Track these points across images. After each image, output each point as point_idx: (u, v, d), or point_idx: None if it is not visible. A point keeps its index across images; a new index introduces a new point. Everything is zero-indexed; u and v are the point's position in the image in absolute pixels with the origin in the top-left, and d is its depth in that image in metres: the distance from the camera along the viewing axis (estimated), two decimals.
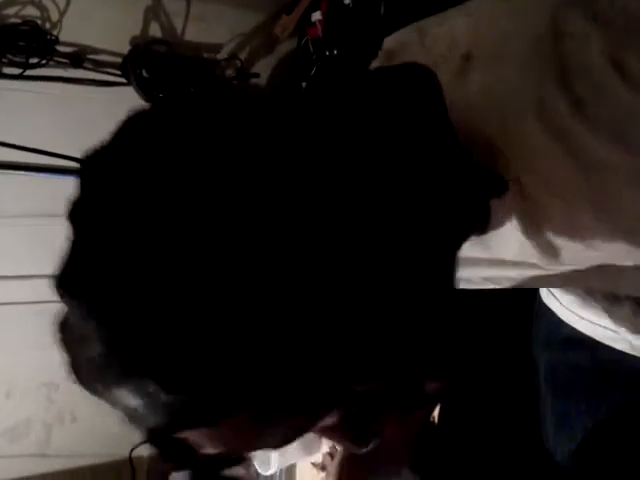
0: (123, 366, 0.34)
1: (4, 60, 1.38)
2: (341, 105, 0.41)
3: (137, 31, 1.51)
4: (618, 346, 0.83)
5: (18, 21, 1.39)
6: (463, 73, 0.43)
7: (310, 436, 1.07)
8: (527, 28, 0.42)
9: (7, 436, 1.56)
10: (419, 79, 0.44)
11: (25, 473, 1.59)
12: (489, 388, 1.13)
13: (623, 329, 0.79)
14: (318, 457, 1.18)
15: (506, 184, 0.43)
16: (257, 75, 1.62)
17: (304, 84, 1.55)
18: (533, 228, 0.45)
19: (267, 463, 1.14)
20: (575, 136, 0.39)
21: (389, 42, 0.53)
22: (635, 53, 0.38)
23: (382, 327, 0.36)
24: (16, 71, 1.38)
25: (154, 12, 1.54)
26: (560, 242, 0.45)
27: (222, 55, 1.61)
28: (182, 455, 0.38)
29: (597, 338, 0.81)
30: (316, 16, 1.47)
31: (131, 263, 0.33)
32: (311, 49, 1.49)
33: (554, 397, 0.98)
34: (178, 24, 1.57)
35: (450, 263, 0.41)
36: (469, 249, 0.45)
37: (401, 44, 0.51)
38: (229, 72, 1.62)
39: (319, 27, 1.44)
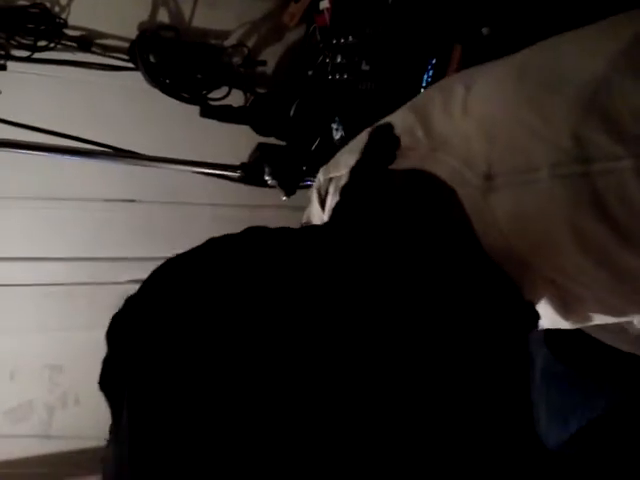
0: None
1: (12, 42, 1.39)
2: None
3: (145, 17, 1.51)
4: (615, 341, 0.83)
5: (27, 3, 1.39)
6: (486, 194, 0.41)
7: None
8: (549, 147, 0.39)
9: (10, 417, 1.58)
10: (442, 205, 0.42)
11: (27, 454, 1.61)
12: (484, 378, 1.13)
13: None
14: None
15: (537, 316, 0.42)
16: (264, 63, 1.62)
17: (310, 72, 1.55)
18: (567, 310, 0.44)
19: None
20: (612, 253, 0.38)
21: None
22: None
23: None
24: (24, 54, 1.39)
25: None
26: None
27: (229, 42, 1.61)
28: None
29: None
30: (324, 4, 1.46)
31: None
32: (318, 37, 1.48)
33: (549, 387, 0.98)
34: (186, 10, 1.56)
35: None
36: None
37: (405, 136, 0.46)
38: (236, 59, 1.62)
39: (327, 15, 1.44)
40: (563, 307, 0.44)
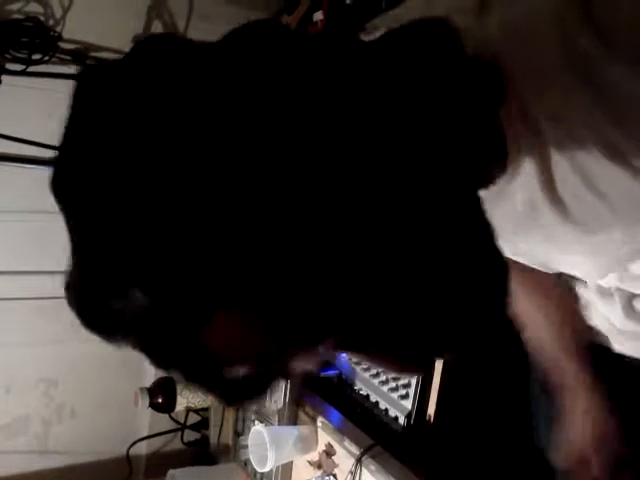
0: (105, 276, 0.34)
1: (7, 56, 1.39)
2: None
3: (140, 29, 1.52)
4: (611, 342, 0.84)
5: (21, 17, 1.40)
6: (480, 17, 0.45)
7: (307, 436, 1.09)
8: None
9: (6, 432, 1.56)
10: (432, 25, 0.46)
11: (23, 469, 1.59)
12: (484, 384, 1.13)
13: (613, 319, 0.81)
14: (314, 456, 1.18)
15: (502, 92, 0.44)
16: None
17: None
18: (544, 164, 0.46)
19: (264, 461, 1.14)
20: (593, 62, 0.40)
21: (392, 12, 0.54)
22: None
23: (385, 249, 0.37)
24: (19, 67, 1.39)
25: (157, 10, 1.55)
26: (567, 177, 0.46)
27: None
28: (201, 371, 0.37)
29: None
30: (318, 16, 1.47)
31: (116, 166, 0.34)
32: None
33: (547, 396, 0.99)
34: (181, 23, 1.57)
35: (473, 198, 0.42)
36: None
37: (406, 9, 0.52)
38: None
39: (320, 27, 1.45)
40: (538, 157, 0.46)
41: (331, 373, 1.27)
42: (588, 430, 0.86)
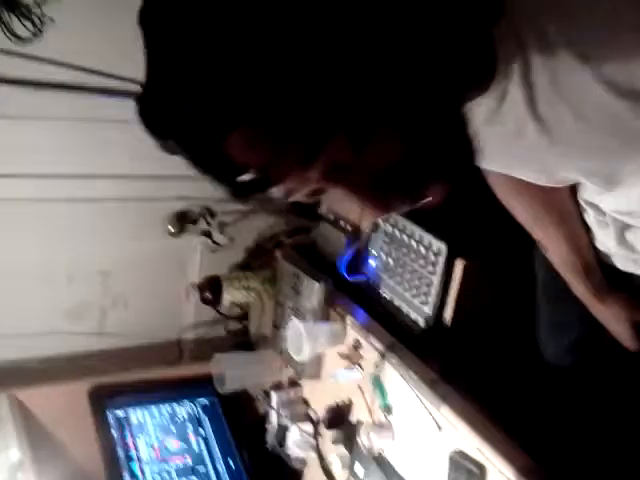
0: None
1: None
2: None
3: None
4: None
5: None
6: None
7: (337, 331, 1.27)
8: None
9: (69, 315, 1.78)
10: None
11: (85, 348, 1.82)
12: (498, 294, 1.27)
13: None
14: (343, 349, 1.36)
15: (500, 9, 0.53)
16: None
17: None
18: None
19: (300, 351, 1.32)
20: None
21: None
22: None
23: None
24: None
25: None
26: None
27: None
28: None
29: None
30: None
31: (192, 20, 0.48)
32: None
33: (548, 303, 1.12)
34: None
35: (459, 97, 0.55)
36: None
37: None
38: None
39: None
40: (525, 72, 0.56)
41: (361, 278, 1.43)
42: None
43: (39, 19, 1.45)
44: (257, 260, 1.73)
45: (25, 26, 1.43)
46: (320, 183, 0.55)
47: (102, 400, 1.66)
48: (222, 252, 1.79)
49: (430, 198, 0.58)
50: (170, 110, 0.50)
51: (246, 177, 0.52)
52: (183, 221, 1.75)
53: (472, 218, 1.22)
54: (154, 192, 1.69)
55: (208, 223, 1.76)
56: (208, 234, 1.78)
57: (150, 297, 1.84)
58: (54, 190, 1.61)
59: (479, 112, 0.62)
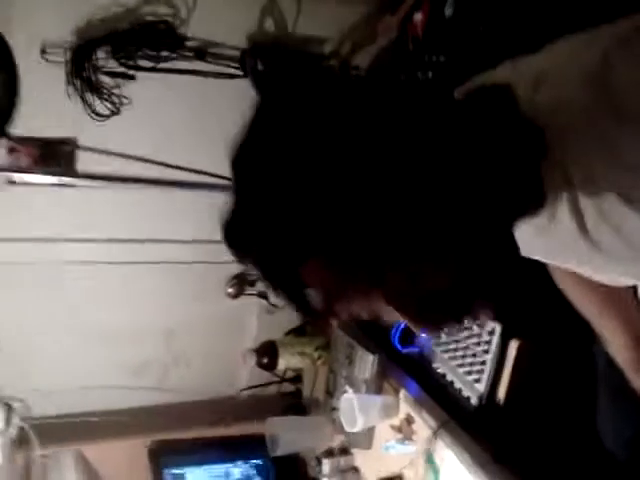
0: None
1: (139, 54, 1.59)
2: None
3: (254, 27, 1.67)
4: None
5: (152, 19, 1.58)
6: (535, 89, 0.62)
7: (390, 405, 1.30)
8: (583, 63, 0.59)
9: (132, 372, 1.86)
10: (500, 90, 0.65)
11: (143, 404, 1.90)
12: (554, 373, 1.26)
13: None
14: (395, 421, 1.37)
15: (544, 148, 0.59)
16: (357, 68, 1.74)
17: (402, 77, 1.66)
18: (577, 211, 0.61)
19: (353, 423, 1.34)
20: (612, 137, 0.55)
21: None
22: None
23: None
24: (149, 64, 1.59)
25: (269, 9, 1.69)
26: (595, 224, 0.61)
27: (328, 48, 1.75)
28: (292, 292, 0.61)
29: None
30: (418, 16, 1.56)
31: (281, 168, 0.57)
32: (410, 47, 1.59)
33: (608, 395, 1.11)
34: (290, 19, 1.71)
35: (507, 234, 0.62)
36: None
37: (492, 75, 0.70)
38: (334, 64, 1.75)
39: (419, 27, 1.54)
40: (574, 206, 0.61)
41: (414, 350, 1.45)
42: None
43: (119, 100, 1.59)
44: (313, 326, 1.77)
45: (106, 106, 1.58)
46: (378, 306, 0.60)
47: (160, 457, 1.72)
48: (279, 314, 1.85)
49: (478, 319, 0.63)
50: (254, 241, 0.58)
51: (315, 297, 0.58)
52: (241, 283, 1.82)
53: (529, 298, 1.24)
54: (215, 256, 1.77)
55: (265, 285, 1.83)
56: (265, 296, 1.84)
57: (209, 356, 1.91)
58: (124, 254, 1.72)
59: (529, 226, 0.66)
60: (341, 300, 0.60)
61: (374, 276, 0.58)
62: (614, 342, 1.01)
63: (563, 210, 0.63)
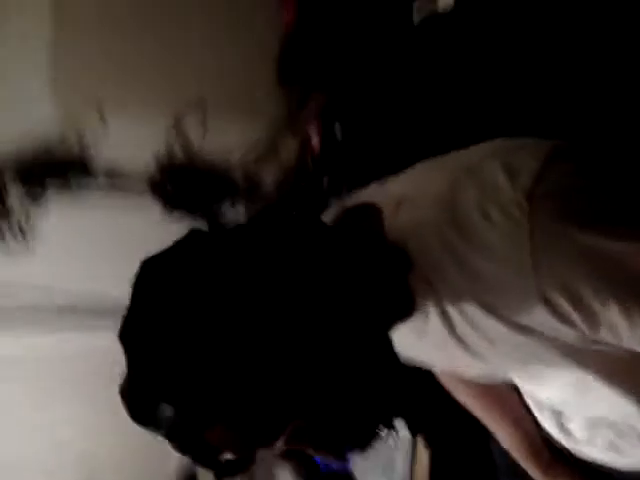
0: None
1: (49, 181, 1.63)
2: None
3: (162, 148, 1.76)
4: None
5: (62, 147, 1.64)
6: (397, 209, 0.73)
7: None
8: (436, 188, 0.71)
9: None
10: (367, 211, 0.75)
11: None
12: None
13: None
14: None
15: (409, 264, 0.70)
16: (261, 182, 1.86)
17: (305, 186, 1.79)
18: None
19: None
20: (460, 252, 0.67)
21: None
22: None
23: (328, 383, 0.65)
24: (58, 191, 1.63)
25: (177, 129, 1.79)
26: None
27: (235, 162, 1.86)
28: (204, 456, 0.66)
29: None
30: (315, 138, 1.71)
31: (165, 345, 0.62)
32: (310, 164, 1.73)
33: None
34: (197, 138, 1.81)
35: (386, 341, 0.71)
36: None
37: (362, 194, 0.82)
38: (239, 177, 1.86)
39: (317, 150, 1.69)
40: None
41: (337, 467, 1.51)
42: None
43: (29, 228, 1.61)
44: None
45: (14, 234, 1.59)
46: (286, 447, 0.67)
47: None
48: None
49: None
50: (155, 414, 0.62)
51: (226, 457, 0.65)
52: None
53: (436, 407, 1.32)
54: None
55: None
56: None
57: None
58: None
59: (411, 332, 0.77)
60: (249, 456, 0.66)
61: (272, 433, 0.65)
62: (506, 440, 1.10)
63: (433, 312, 0.74)
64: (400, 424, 1.34)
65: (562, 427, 1.01)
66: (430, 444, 1.31)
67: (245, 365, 0.62)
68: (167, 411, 0.61)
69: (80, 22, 1.64)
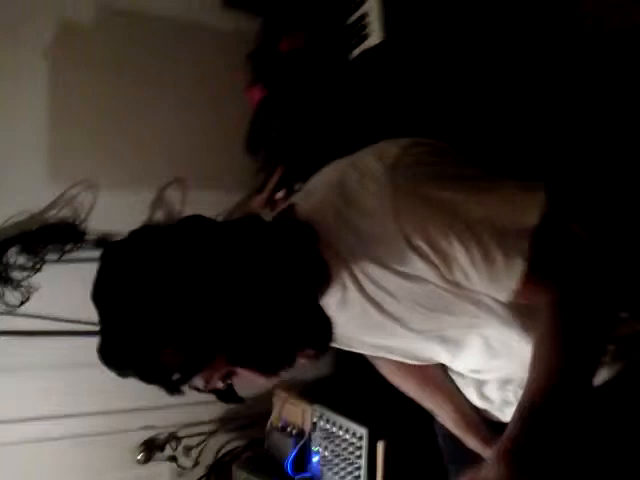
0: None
1: (46, 249, 1.84)
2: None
3: (147, 218, 1.98)
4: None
5: (56, 221, 1.86)
6: (306, 199, 0.96)
7: None
8: (332, 178, 0.93)
9: None
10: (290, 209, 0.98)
11: None
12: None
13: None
14: None
15: (315, 234, 0.90)
16: None
17: None
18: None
19: None
20: (352, 220, 0.87)
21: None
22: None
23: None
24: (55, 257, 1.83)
25: (159, 200, 2.02)
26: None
27: None
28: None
29: None
30: (279, 194, 1.93)
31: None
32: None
33: (454, 464, 1.25)
34: (177, 207, 2.03)
35: (312, 299, 0.90)
36: None
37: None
38: None
39: (280, 203, 1.90)
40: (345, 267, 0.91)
41: (305, 475, 1.58)
42: None
43: (27, 290, 1.80)
44: (217, 475, 1.86)
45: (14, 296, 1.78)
46: (225, 369, 0.84)
47: None
48: (188, 474, 1.93)
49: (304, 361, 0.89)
50: (122, 351, 0.81)
51: (176, 376, 0.81)
52: (150, 449, 1.92)
53: (389, 400, 1.42)
54: (123, 424, 1.88)
55: (174, 448, 1.93)
56: (174, 459, 1.93)
57: None
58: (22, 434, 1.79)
59: (332, 302, 0.93)
60: (194, 372, 0.82)
61: (209, 352, 0.81)
62: (447, 418, 1.20)
63: (347, 280, 0.91)
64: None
65: (482, 395, 1.13)
66: (384, 436, 1.39)
67: (192, 301, 0.80)
68: (132, 346, 0.80)
69: (75, 121, 1.92)
